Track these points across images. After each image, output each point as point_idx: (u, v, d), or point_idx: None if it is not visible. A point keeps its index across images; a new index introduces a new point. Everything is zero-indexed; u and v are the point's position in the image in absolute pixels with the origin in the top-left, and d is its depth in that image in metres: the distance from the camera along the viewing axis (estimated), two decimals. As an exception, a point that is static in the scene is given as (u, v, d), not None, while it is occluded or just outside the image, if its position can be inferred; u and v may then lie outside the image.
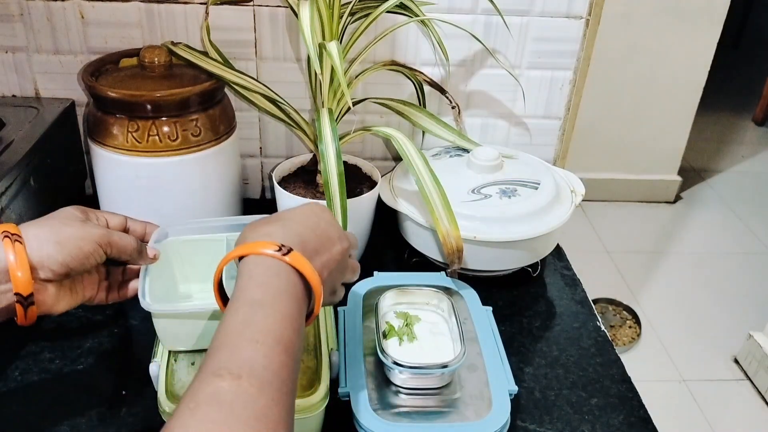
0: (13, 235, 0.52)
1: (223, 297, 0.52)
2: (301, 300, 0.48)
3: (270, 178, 0.96)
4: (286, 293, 0.47)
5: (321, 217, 0.55)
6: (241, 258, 0.49)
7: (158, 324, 0.61)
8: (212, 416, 0.38)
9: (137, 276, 0.63)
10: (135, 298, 0.77)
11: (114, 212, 0.63)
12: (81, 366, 0.69)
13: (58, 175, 0.85)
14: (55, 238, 0.54)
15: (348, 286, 0.64)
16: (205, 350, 0.60)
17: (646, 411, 0.67)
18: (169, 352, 0.61)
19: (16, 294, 0.52)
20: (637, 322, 2.02)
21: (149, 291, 0.59)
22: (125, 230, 0.63)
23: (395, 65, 0.90)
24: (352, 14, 0.81)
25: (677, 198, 2.69)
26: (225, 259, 0.50)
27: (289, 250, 0.48)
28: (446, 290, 0.73)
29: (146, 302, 0.58)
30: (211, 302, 0.52)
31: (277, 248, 0.48)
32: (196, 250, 0.66)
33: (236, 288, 0.47)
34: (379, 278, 0.76)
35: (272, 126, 0.96)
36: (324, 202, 0.60)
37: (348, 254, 0.56)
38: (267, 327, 0.44)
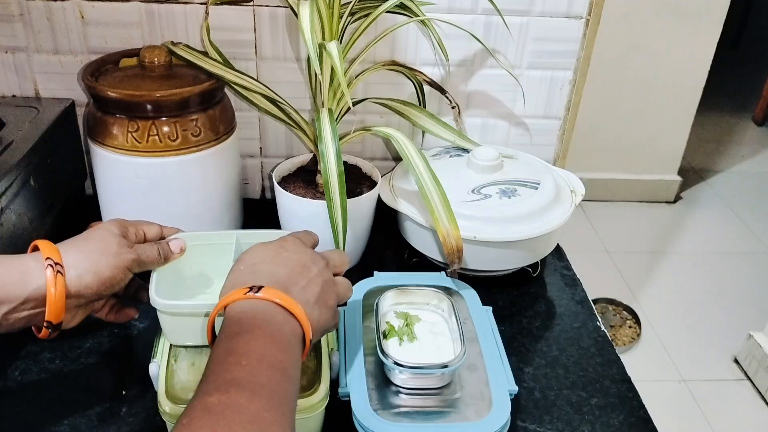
0: (56, 264, 0.54)
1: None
2: (281, 323, 0.49)
3: (270, 178, 0.96)
4: (263, 321, 0.48)
5: (284, 247, 0.56)
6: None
7: (164, 321, 0.61)
8: (205, 424, 0.39)
9: (135, 302, 0.65)
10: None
11: (149, 222, 0.64)
12: (81, 366, 0.69)
13: (58, 175, 0.85)
14: (94, 269, 0.56)
15: None
16: (207, 347, 0.61)
17: (646, 411, 0.67)
18: (169, 352, 0.61)
19: (47, 321, 0.54)
20: (637, 322, 2.02)
21: (156, 289, 0.60)
22: (161, 238, 0.64)
23: (395, 65, 0.90)
24: (352, 14, 0.81)
25: (677, 198, 2.69)
26: (210, 317, 0.52)
27: (260, 288, 0.50)
28: (446, 290, 0.73)
29: (153, 298, 0.58)
30: (213, 300, 0.52)
31: (248, 290, 0.50)
32: (206, 250, 0.66)
33: (219, 332, 0.49)
34: (379, 278, 0.76)
35: (272, 126, 0.96)
36: (297, 233, 0.61)
37: (331, 273, 0.56)
38: (248, 349, 0.45)
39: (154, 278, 0.61)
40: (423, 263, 0.86)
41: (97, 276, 0.56)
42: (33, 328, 0.57)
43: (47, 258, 0.54)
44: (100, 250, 0.57)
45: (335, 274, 0.58)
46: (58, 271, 0.53)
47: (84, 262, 0.55)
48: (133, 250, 0.59)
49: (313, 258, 0.56)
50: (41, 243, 0.56)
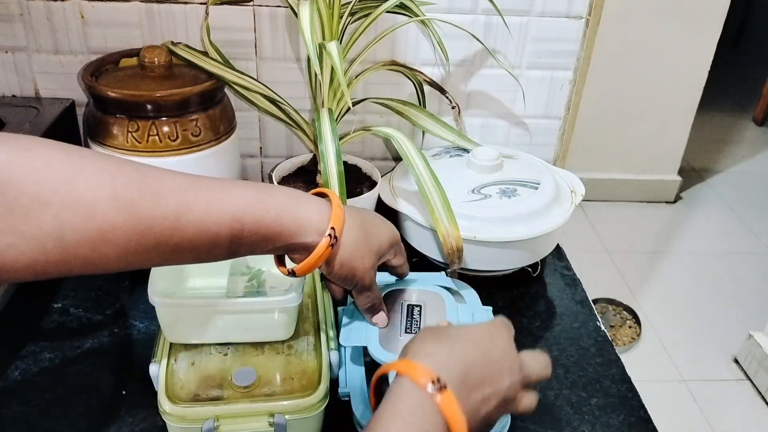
0: (335, 239, 0.53)
1: (378, 396, 0.50)
2: None
3: (270, 178, 0.96)
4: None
5: (496, 343, 0.49)
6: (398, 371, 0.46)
7: (163, 318, 0.61)
8: None
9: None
10: (135, 299, 0.78)
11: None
12: (81, 366, 0.69)
13: (58, 175, 0.85)
14: (355, 264, 0.56)
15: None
16: (207, 345, 0.61)
17: (646, 411, 0.67)
18: (169, 352, 0.61)
19: (291, 270, 0.55)
20: (637, 322, 2.02)
21: (155, 286, 0.60)
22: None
23: (395, 65, 0.90)
24: (352, 14, 0.81)
25: (677, 198, 2.69)
26: (382, 370, 0.48)
27: (443, 387, 0.44)
28: (446, 290, 0.73)
29: (152, 296, 0.59)
30: (214, 297, 0.52)
31: (432, 381, 0.44)
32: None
33: (381, 408, 0.45)
34: (379, 278, 0.76)
35: (272, 126, 0.96)
36: (507, 321, 0.54)
37: (520, 388, 0.50)
38: None
39: (152, 275, 0.61)
40: (423, 263, 0.86)
41: (353, 271, 0.56)
42: (275, 257, 0.58)
43: (332, 227, 0.53)
44: (371, 247, 0.57)
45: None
46: (331, 245, 0.53)
47: (354, 251, 0.55)
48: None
49: (512, 367, 0.49)
50: (333, 198, 0.55)
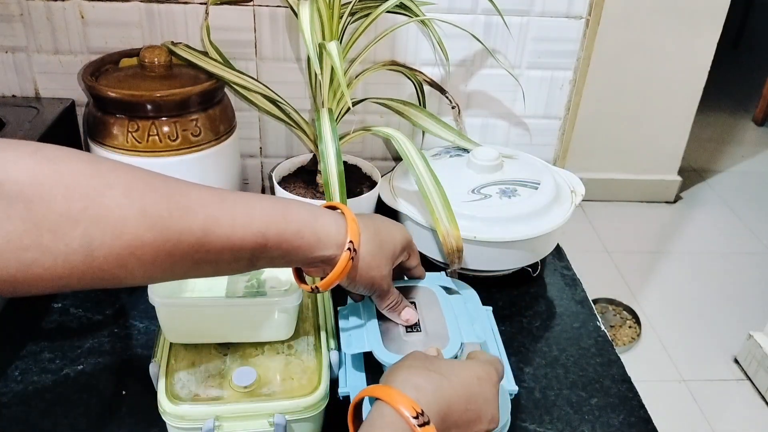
0: (354, 251, 0.54)
1: (356, 418, 0.51)
2: None
3: (270, 178, 0.96)
4: None
5: (483, 389, 0.50)
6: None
7: (162, 318, 0.61)
8: None
9: None
10: (135, 299, 0.78)
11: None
12: (81, 366, 0.69)
13: (58, 175, 0.85)
14: (372, 274, 0.57)
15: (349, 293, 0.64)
16: (207, 345, 0.61)
17: (646, 411, 0.67)
18: (169, 352, 0.61)
19: (316, 287, 0.57)
20: (637, 322, 2.02)
21: (154, 286, 0.60)
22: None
23: (395, 65, 0.90)
24: (352, 14, 0.81)
25: (677, 198, 2.69)
26: (364, 393, 0.48)
27: (425, 423, 0.44)
28: (446, 290, 0.73)
29: (151, 296, 0.58)
30: (214, 297, 0.52)
31: (415, 415, 0.44)
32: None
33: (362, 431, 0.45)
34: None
35: (272, 126, 0.96)
36: (499, 364, 0.55)
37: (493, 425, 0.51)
38: None
39: None
40: (423, 263, 0.86)
41: (372, 280, 0.57)
42: (294, 272, 0.59)
43: (350, 241, 0.53)
44: (386, 254, 0.58)
45: None
46: (351, 258, 0.54)
47: (372, 260, 0.56)
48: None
49: (493, 416, 0.50)
50: (347, 212, 0.56)
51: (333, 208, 0.58)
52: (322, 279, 0.56)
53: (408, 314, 0.61)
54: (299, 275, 0.59)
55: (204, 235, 0.46)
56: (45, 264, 0.41)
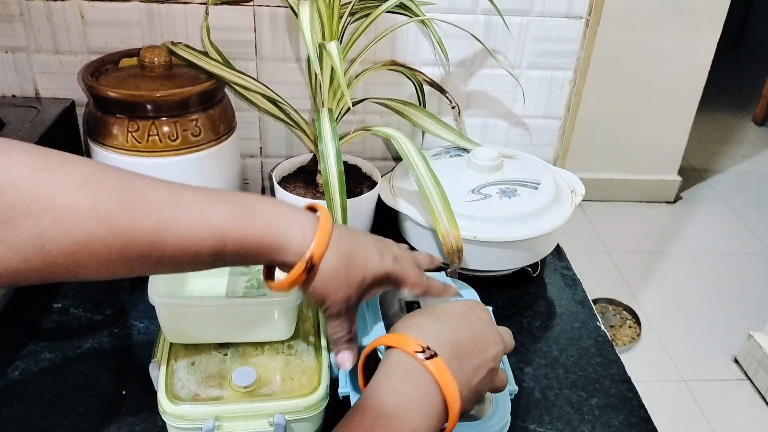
0: (312, 267, 0.50)
1: (366, 375, 0.51)
2: (433, 415, 0.45)
3: (270, 178, 0.96)
4: (416, 408, 0.44)
5: (479, 317, 0.52)
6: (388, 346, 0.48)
7: (162, 318, 0.61)
8: None
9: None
10: (135, 299, 0.78)
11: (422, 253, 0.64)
12: (81, 366, 0.69)
13: (58, 175, 0.85)
14: (332, 293, 0.52)
15: None
16: (207, 345, 0.61)
17: (646, 411, 0.67)
18: (169, 352, 0.61)
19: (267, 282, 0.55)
20: (637, 322, 2.02)
21: (154, 285, 0.60)
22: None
23: (395, 65, 0.90)
24: (352, 14, 0.81)
25: (677, 198, 2.69)
26: (372, 344, 0.49)
27: (433, 355, 0.46)
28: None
29: (151, 296, 0.58)
30: (214, 297, 0.52)
31: (422, 349, 0.46)
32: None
33: (373, 381, 0.46)
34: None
35: (272, 126, 0.96)
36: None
37: (501, 360, 0.53)
38: None
39: (152, 275, 0.61)
40: (423, 263, 0.86)
41: (323, 298, 0.52)
42: (263, 269, 0.56)
43: (311, 254, 0.49)
44: (351, 279, 0.52)
45: None
46: (306, 270, 0.50)
47: (330, 279, 0.51)
48: (396, 261, 0.55)
49: (495, 338, 0.52)
50: (322, 219, 0.51)
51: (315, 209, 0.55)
52: None
53: (343, 357, 0.56)
54: (269, 270, 0.56)
55: (157, 236, 0.45)
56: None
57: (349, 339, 0.56)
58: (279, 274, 0.54)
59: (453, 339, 0.49)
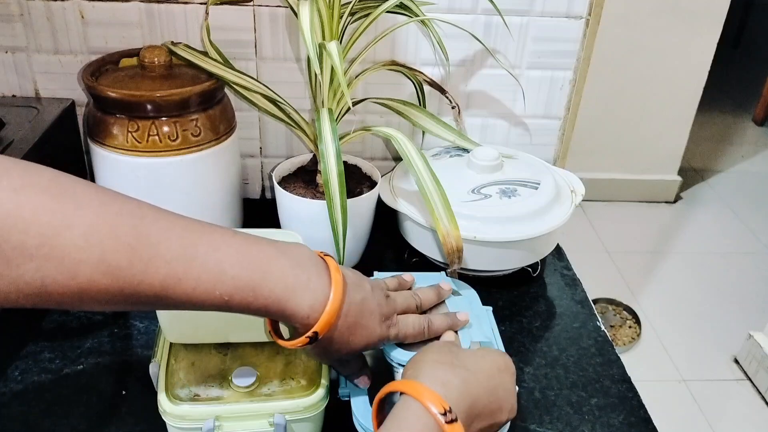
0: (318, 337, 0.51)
1: (380, 413, 0.51)
2: None
3: (270, 178, 0.96)
4: None
5: (503, 380, 0.52)
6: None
7: (162, 318, 0.61)
8: None
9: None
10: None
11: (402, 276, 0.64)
12: (81, 366, 0.69)
13: (58, 175, 0.85)
14: (341, 349, 0.53)
15: None
16: (207, 345, 0.61)
17: (646, 411, 0.67)
18: (169, 352, 0.61)
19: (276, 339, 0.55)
20: (637, 322, 2.02)
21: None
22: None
23: (395, 65, 0.90)
24: (352, 14, 0.81)
25: (677, 198, 2.69)
26: (390, 387, 0.49)
27: (453, 420, 0.45)
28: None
29: None
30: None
31: (443, 412, 0.44)
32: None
33: (387, 427, 0.45)
34: (379, 278, 0.76)
35: (272, 126, 0.96)
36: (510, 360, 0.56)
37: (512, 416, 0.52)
38: None
39: None
40: (423, 263, 0.86)
41: (321, 358, 0.55)
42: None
43: (315, 331, 0.49)
44: (352, 346, 0.53)
45: None
46: (309, 343, 0.50)
47: (330, 346, 0.52)
48: (393, 326, 0.55)
49: (512, 407, 0.52)
50: (331, 305, 0.50)
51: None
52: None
53: (360, 382, 0.59)
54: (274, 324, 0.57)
55: (162, 290, 0.45)
56: None
57: (360, 369, 0.58)
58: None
59: (473, 401, 0.48)
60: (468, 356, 0.52)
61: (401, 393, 0.47)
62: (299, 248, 0.52)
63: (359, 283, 0.54)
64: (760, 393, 1.80)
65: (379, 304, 0.54)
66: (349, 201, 0.71)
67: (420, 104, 0.92)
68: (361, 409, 0.59)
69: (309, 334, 0.49)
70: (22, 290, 0.41)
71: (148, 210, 0.46)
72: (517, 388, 0.54)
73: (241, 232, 0.50)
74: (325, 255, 0.54)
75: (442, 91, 0.93)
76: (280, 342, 0.54)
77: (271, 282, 0.48)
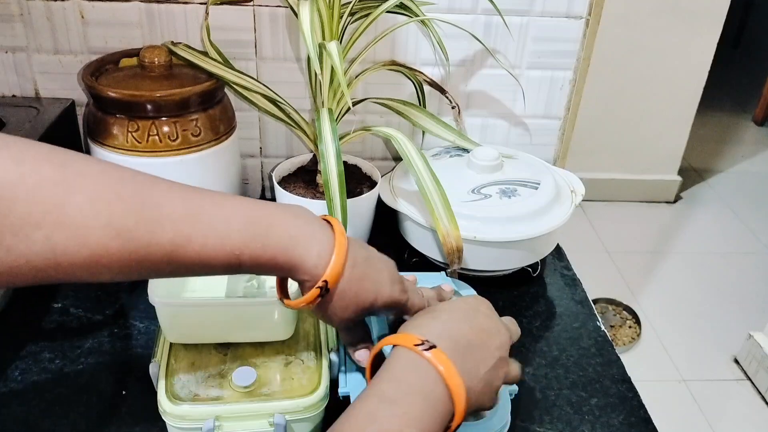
0: (326, 291, 0.51)
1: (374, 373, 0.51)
2: (436, 401, 0.46)
3: (270, 178, 0.96)
4: (418, 393, 0.45)
5: (479, 309, 0.54)
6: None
7: (162, 318, 0.61)
8: None
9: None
10: (135, 299, 0.78)
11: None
12: (81, 366, 0.69)
13: (58, 175, 0.85)
14: (346, 314, 0.54)
15: None
16: (207, 345, 0.61)
17: (646, 411, 0.67)
18: (169, 352, 0.61)
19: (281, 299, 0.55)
20: (637, 322, 2.02)
21: (154, 285, 0.60)
22: None
23: (395, 65, 0.90)
24: (352, 14, 0.81)
25: (677, 198, 2.69)
26: (378, 346, 0.52)
27: (432, 347, 0.47)
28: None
29: (151, 296, 0.58)
30: (214, 297, 0.52)
31: (420, 342, 0.47)
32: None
33: (377, 374, 0.48)
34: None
35: (272, 126, 0.96)
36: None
37: (508, 348, 0.53)
38: (390, 428, 0.43)
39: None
40: (423, 263, 0.86)
41: (330, 317, 0.53)
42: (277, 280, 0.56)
43: (325, 280, 0.50)
44: (360, 302, 0.53)
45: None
46: (320, 296, 0.51)
47: (339, 301, 0.52)
48: (404, 292, 0.55)
49: (498, 328, 0.53)
50: (339, 242, 0.51)
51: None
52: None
53: (360, 356, 0.58)
54: (282, 280, 0.57)
55: (173, 250, 0.45)
56: (6, 262, 0.41)
57: (363, 339, 0.58)
58: (291, 284, 0.55)
59: (452, 334, 0.50)
60: (443, 304, 0.55)
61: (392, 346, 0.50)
62: (301, 207, 0.53)
63: (364, 245, 0.55)
64: (760, 393, 1.80)
65: (386, 263, 0.56)
66: (349, 201, 0.71)
67: (420, 104, 0.92)
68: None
69: (319, 283, 0.50)
70: (32, 262, 0.41)
71: (145, 176, 0.47)
72: (504, 323, 0.56)
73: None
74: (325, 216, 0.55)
75: (442, 91, 0.93)
76: (291, 303, 0.54)
77: (277, 233, 0.49)
